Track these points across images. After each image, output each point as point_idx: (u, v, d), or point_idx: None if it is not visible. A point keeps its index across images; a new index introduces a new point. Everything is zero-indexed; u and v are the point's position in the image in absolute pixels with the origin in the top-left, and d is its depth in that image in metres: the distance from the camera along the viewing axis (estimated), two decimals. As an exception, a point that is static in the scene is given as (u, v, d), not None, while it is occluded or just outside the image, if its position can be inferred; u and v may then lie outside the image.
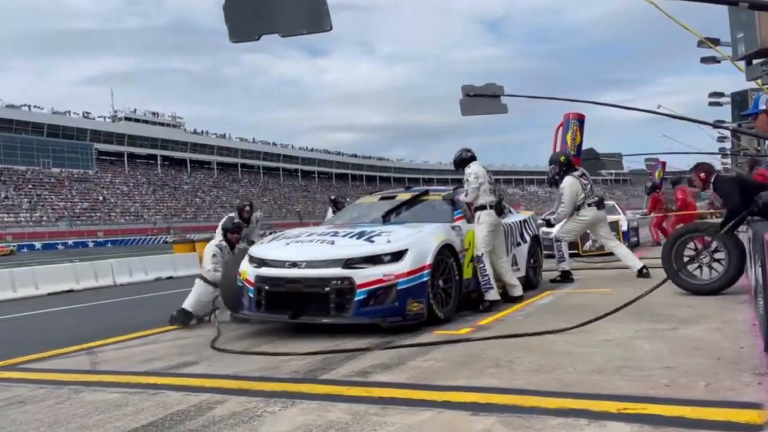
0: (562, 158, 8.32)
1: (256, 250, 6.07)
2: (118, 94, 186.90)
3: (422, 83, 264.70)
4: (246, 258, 6.08)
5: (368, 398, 3.39)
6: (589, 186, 8.15)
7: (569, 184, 7.97)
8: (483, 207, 6.55)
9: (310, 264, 5.50)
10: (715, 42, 12.76)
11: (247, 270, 5.86)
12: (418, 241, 5.64)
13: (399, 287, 5.29)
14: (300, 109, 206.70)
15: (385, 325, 5.26)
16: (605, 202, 9.07)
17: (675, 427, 2.64)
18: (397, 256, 5.42)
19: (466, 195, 6.60)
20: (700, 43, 13.29)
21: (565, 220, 8.24)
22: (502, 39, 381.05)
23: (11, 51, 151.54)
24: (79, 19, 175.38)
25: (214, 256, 6.87)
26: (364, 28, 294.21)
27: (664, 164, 17.15)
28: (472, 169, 6.63)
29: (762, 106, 3.72)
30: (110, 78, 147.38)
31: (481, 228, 6.50)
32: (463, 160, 6.83)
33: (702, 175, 6.47)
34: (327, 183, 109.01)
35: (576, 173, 8.19)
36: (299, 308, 5.46)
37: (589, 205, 8.03)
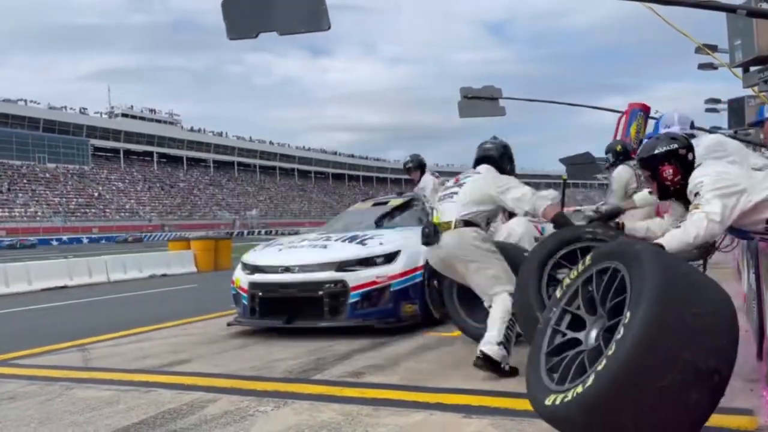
0: (619, 147, 8.02)
1: (249, 258, 6.07)
2: (120, 91, 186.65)
3: (423, 85, 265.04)
4: (239, 266, 6.08)
5: (361, 399, 3.39)
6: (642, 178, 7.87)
7: (619, 173, 7.67)
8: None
9: (303, 268, 5.50)
10: (713, 48, 12.80)
11: (241, 278, 5.87)
12: (411, 242, 5.64)
13: (392, 288, 5.30)
14: (301, 109, 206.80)
15: (379, 326, 5.26)
16: None
17: (666, 433, 2.65)
18: (390, 257, 5.42)
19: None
20: (698, 50, 13.33)
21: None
22: (504, 42, 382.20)
23: (15, 46, 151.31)
24: (84, 15, 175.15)
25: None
26: (367, 29, 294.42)
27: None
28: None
29: (663, 130, 3.82)
30: (112, 74, 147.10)
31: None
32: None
33: None
34: (323, 183, 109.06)
35: (631, 162, 7.89)
36: (293, 313, 5.46)
37: None
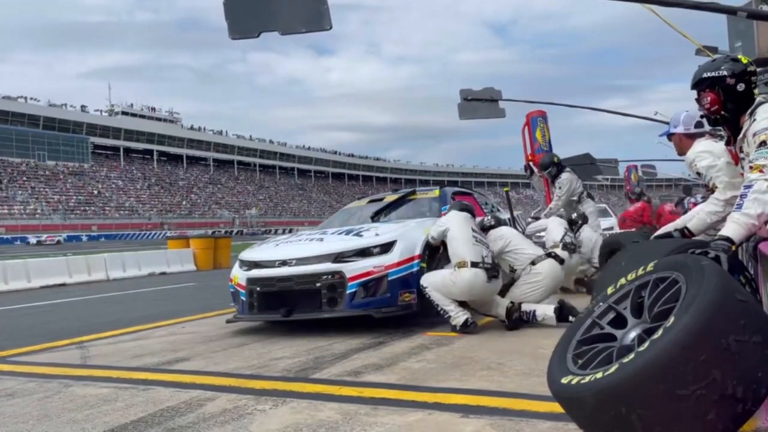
0: (555, 158, 8.42)
1: (246, 255, 6.08)
2: (122, 89, 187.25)
3: (427, 85, 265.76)
4: (237, 263, 6.10)
5: (359, 398, 3.39)
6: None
7: (568, 179, 8.06)
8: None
9: (301, 261, 5.52)
10: (713, 50, 12.80)
11: (238, 274, 5.88)
12: (406, 232, 5.71)
13: (390, 278, 5.33)
14: (304, 108, 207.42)
15: (378, 315, 5.27)
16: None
17: (664, 434, 2.64)
18: (386, 247, 5.46)
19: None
20: (699, 52, 13.34)
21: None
22: (508, 43, 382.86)
23: (18, 43, 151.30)
24: (89, 13, 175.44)
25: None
26: (372, 29, 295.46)
27: (636, 167, 16.93)
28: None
29: (672, 130, 3.79)
30: (114, 72, 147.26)
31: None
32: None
33: None
34: (323, 182, 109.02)
35: (568, 169, 8.32)
36: (292, 306, 5.47)
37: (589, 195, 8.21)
